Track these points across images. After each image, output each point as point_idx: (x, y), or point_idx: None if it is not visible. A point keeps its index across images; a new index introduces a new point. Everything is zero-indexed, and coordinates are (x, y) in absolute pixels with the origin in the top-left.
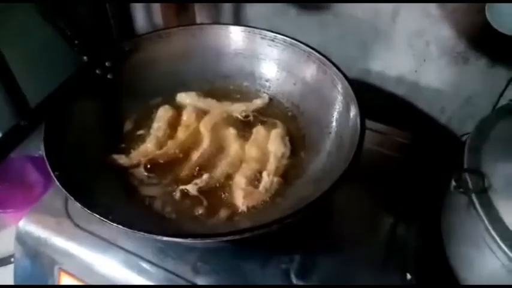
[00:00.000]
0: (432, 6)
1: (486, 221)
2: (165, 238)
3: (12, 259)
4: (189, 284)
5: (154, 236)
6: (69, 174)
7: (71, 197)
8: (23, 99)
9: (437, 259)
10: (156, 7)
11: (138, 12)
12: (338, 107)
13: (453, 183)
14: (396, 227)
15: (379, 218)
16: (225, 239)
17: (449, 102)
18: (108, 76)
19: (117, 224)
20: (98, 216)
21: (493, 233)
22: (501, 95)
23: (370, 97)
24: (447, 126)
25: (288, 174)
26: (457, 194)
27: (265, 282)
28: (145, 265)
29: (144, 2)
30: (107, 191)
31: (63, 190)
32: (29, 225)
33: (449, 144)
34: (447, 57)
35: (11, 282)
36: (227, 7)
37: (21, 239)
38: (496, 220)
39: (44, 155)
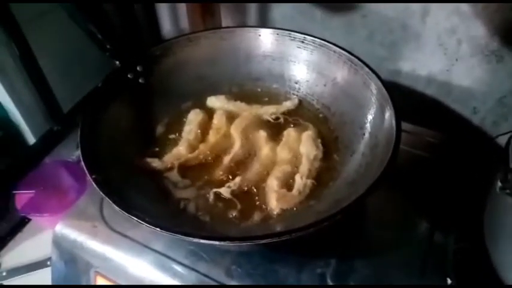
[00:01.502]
0: (463, 3)
1: None
2: (202, 241)
3: (48, 262)
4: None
5: (192, 238)
6: (105, 178)
7: (109, 200)
8: (56, 104)
9: (479, 263)
10: (182, 12)
11: (165, 18)
12: (371, 107)
13: (499, 184)
14: (434, 230)
15: (416, 221)
16: (262, 242)
17: (482, 102)
18: (140, 80)
19: (155, 226)
20: (135, 219)
21: None
22: None
23: (400, 97)
24: (480, 127)
25: (321, 177)
26: (502, 195)
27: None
28: (179, 268)
29: (170, 1)
30: (142, 194)
31: (101, 193)
32: (65, 229)
33: (483, 145)
34: (480, 56)
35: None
36: (252, 10)
37: (58, 242)
38: None
39: (81, 158)
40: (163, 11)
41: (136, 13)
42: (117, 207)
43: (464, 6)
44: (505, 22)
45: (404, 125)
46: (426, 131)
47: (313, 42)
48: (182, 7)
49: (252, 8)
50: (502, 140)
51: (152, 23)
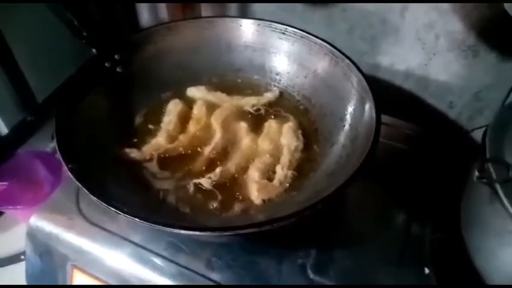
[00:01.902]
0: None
1: (511, 211)
2: (182, 231)
3: (22, 256)
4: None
5: (172, 229)
6: (82, 168)
7: (85, 190)
8: (30, 93)
9: (455, 252)
10: (162, 4)
11: (144, 8)
12: (352, 99)
13: (476, 173)
14: (411, 221)
15: (394, 212)
16: (242, 232)
17: (459, 96)
18: (118, 69)
19: (133, 217)
20: (113, 209)
21: None
22: (511, 89)
23: (379, 91)
24: (456, 121)
25: (302, 168)
26: (479, 185)
27: (282, 278)
28: (158, 260)
29: (151, 2)
30: (120, 185)
31: (77, 183)
32: (40, 222)
33: (459, 138)
34: (456, 51)
35: (22, 281)
36: (233, 4)
37: (33, 235)
38: None
39: (57, 148)
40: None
41: (114, 2)
42: (94, 198)
43: (442, 2)
44: (482, 18)
45: (384, 118)
46: (405, 123)
47: (295, 34)
48: None
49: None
50: (477, 134)
51: (130, 13)
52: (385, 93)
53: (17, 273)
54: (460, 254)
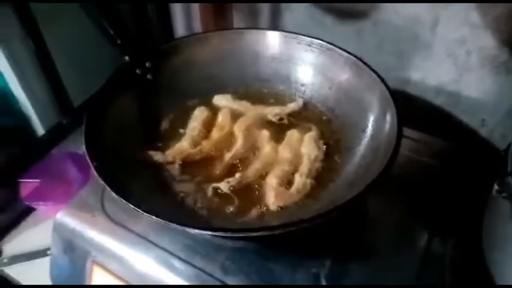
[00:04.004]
0: (473, 14)
1: None
2: (194, 230)
3: (48, 252)
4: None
5: (184, 227)
6: (107, 166)
7: (107, 186)
8: (67, 98)
9: (476, 270)
10: (195, 14)
11: (178, 19)
12: (374, 111)
13: (496, 187)
14: (432, 236)
15: (415, 227)
16: (254, 234)
17: (491, 114)
18: (148, 76)
19: (148, 213)
20: (131, 205)
21: None
22: None
23: (408, 106)
24: (488, 139)
25: (321, 177)
26: (499, 200)
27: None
28: (174, 261)
29: (182, 1)
30: (141, 185)
31: (100, 180)
32: (66, 218)
33: (490, 157)
34: (489, 67)
35: (47, 274)
36: (264, 16)
37: (58, 230)
38: None
39: (84, 146)
40: (177, 12)
41: (150, 14)
42: (114, 194)
43: (474, 17)
44: None
45: (413, 133)
46: (434, 139)
47: (320, 46)
48: (195, 9)
49: (264, 13)
50: None
51: (165, 24)
52: (416, 108)
53: (43, 267)
54: (481, 271)
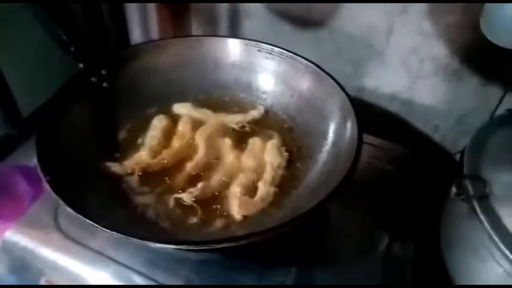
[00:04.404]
0: (425, 24)
1: (488, 227)
2: (158, 245)
3: None
4: None
5: (148, 242)
6: (61, 180)
7: (62, 201)
8: (15, 108)
9: (436, 272)
10: (153, 20)
11: (134, 26)
12: (335, 118)
13: (453, 189)
14: (393, 240)
15: (376, 231)
16: (219, 246)
17: (443, 120)
18: (104, 84)
19: (108, 229)
20: (90, 222)
21: (495, 238)
22: (493, 113)
23: (364, 113)
24: (440, 144)
25: (284, 185)
26: (457, 202)
27: None
28: (135, 277)
29: (138, 2)
30: (99, 198)
31: (55, 195)
32: (16, 236)
33: (443, 160)
34: (441, 75)
35: None
36: (223, 23)
37: (8, 249)
38: (498, 226)
39: (36, 158)
40: (133, 19)
41: (104, 19)
42: (70, 209)
43: (426, 27)
44: (465, 42)
45: (370, 138)
46: (390, 144)
47: (281, 54)
48: (153, 16)
49: (223, 20)
50: None
51: (121, 31)
52: (372, 115)
53: None
54: (440, 273)
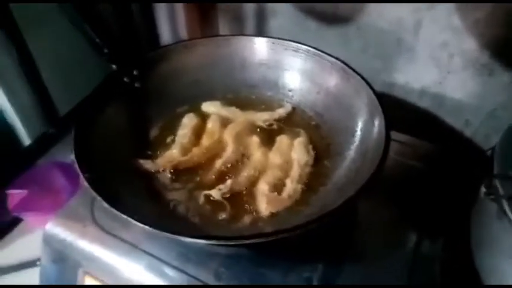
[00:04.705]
0: (454, 18)
1: None
2: (189, 239)
3: (38, 262)
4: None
5: (180, 237)
6: (98, 177)
7: (99, 197)
8: (53, 107)
9: (466, 271)
10: (181, 22)
11: (164, 27)
12: (362, 115)
13: (483, 189)
14: (422, 238)
15: (404, 228)
16: (248, 242)
17: (474, 115)
18: (136, 84)
19: (142, 223)
20: (125, 216)
21: None
22: None
23: (393, 109)
24: (472, 140)
25: (312, 182)
26: (487, 202)
27: None
28: (167, 269)
29: (167, 2)
30: (133, 195)
31: (92, 191)
32: (55, 228)
33: (474, 157)
34: (471, 69)
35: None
36: (250, 21)
37: (48, 241)
38: None
39: (74, 158)
40: (162, 19)
41: (135, 21)
42: (106, 204)
43: (456, 21)
44: (495, 37)
45: (398, 136)
46: (419, 141)
47: (307, 52)
48: (181, 16)
49: (250, 19)
50: None
51: (151, 32)
52: (401, 110)
53: (32, 278)
54: (470, 272)
